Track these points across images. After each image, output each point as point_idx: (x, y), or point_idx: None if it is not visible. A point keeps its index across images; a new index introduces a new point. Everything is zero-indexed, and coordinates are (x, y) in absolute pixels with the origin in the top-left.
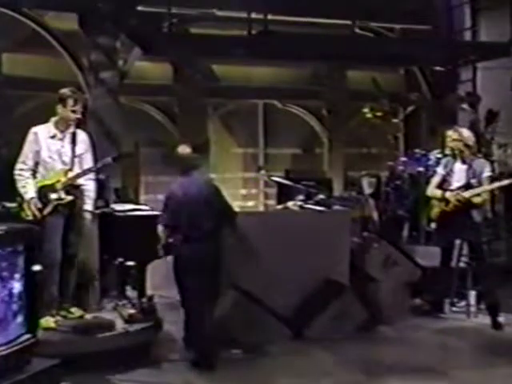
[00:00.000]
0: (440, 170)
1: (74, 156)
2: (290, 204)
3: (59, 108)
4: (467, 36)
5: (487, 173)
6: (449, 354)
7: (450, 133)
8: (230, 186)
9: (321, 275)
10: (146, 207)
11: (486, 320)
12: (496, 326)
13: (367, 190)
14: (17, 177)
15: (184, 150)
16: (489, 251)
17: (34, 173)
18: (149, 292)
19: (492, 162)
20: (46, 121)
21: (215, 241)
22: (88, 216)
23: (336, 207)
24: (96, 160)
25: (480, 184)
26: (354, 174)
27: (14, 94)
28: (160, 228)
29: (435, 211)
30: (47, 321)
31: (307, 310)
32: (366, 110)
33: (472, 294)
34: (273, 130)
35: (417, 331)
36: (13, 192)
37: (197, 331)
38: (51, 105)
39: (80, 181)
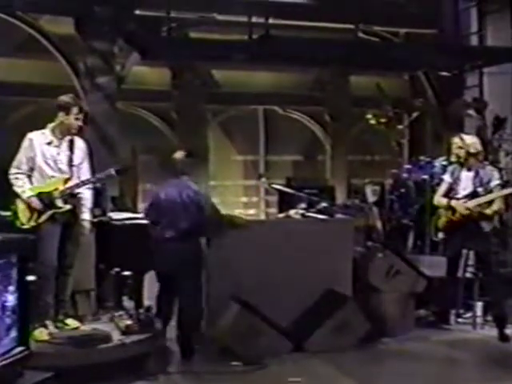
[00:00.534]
0: (447, 178)
1: (71, 164)
2: (291, 212)
3: (61, 115)
4: (474, 40)
5: (496, 181)
6: (454, 367)
7: (455, 140)
8: (230, 194)
9: (322, 286)
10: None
11: (492, 332)
12: (503, 338)
13: (371, 198)
14: (13, 180)
15: (178, 155)
16: (496, 261)
17: (30, 177)
18: (146, 303)
19: (500, 170)
20: (41, 127)
21: (192, 241)
22: (86, 225)
23: (339, 216)
24: (93, 167)
25: (487, 193)
26: (358, 182)
27: (9, 100)
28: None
29: (442, 221)
30: (41, 332)
31: (308, 321)
32: (369, 116)
33: (478, 305)
34: (274, 136)
35: (421, 343)
36: (6, 200)
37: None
38: (47, 110)
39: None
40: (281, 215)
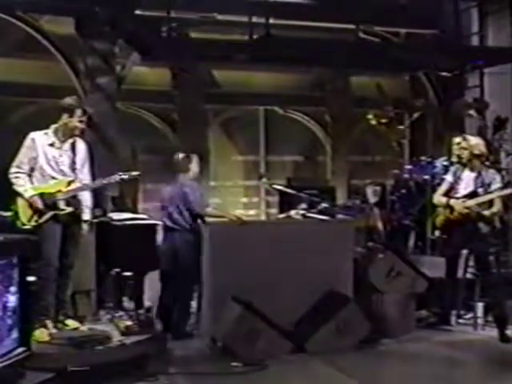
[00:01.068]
0: (449, 178)
1: (74, 167)
2: (292, 213)
3: (64, 117)
4: (475, 41)
5: (497, 184)
6: (455, 368)
7: (457, 140)
8: (230, 195)
9: (323, 286)
10: (145, 216)
11: (493, 332)
12: (504, 338)
13: (372, 199)
14: (14, 179)
15: (177, 155)
16: (497, 262)
17: (30, 176)
18: (146, 303)
19: (500, 171)
20: (41, 127)
21: (190, 233)
22: (86, 227)
23: (339, 216)
24: (93, 169)
25: (487, 194)
26: (358, 183)
27: (9, 100)
28: None
29: (440, 219)
30: (42, 332)
31: (309, 322)
32: (370, 116)
33: (479, 306)
34: (274, 136)
35: (422, 344)
36: (7, 201)
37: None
38: (47, 111)
39: None
40: (281, 216)
